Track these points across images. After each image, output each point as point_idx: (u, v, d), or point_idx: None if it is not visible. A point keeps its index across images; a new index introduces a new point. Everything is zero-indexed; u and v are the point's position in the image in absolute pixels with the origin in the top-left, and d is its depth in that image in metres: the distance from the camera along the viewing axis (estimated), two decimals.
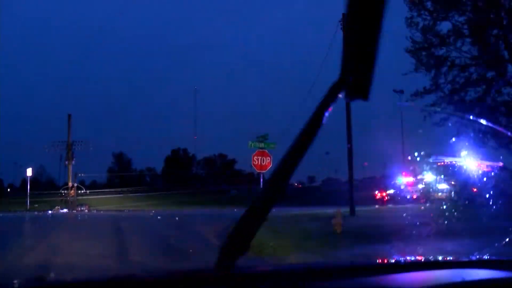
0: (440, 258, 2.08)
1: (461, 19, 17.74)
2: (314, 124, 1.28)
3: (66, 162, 41.15)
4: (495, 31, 17.74)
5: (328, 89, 1.27)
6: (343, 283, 1.55)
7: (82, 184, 44.67)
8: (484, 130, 18.56)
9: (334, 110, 1.27)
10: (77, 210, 33.92)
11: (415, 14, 17.91)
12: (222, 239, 1.35)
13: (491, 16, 17.62)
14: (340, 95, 1.26)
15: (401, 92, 37.62)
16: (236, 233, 1.34)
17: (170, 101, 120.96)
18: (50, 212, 31.91)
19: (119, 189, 48.23)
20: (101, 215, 26.76)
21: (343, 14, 20.27)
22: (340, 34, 20.62)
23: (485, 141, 19.15)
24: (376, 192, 36.95)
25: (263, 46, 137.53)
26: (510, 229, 8.56)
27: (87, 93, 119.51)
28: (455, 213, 12.28)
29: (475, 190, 23.57)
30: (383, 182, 36.26)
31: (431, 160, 21.41)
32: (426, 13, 17.82)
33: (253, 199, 1.37)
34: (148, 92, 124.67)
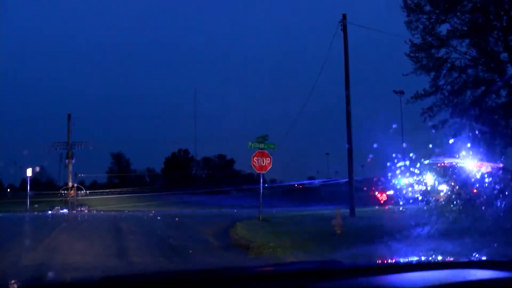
0: (440, 258, 2.08)
1: (460, 20, 17.73)
2: None
3: (66, 162, 41.17)
4: (494, 33, 17.74)
5: None
6: (344, 283, 1.55)
7: (82, 184, 44.75)
8: (483, 132, 18.56)
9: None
10: (77, 211, 33.93)
11: (413, 18, 17.91)
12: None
13: (491, 17, 17.62)
14: None
15: (401, 93, 37.72)
16: None
17: (170, 102, 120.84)
18: (50, 212, 31.93)
19: (119, 190, 48.21)
20: (101, 215, 26.75)
21: (343, 14, 20.35)
22: (340, 35, 20.62)
23: (485, 143, 19.14)
24: (376, 193, 37.03)
25: (263, 45, 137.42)
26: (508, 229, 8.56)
27: (87, 93, 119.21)
28: (455, 214, 12.28)
29: (475, 191, 23.55)
30: (383, 182, 36.29)
31: (430, 161, 21.42)
32: (425, 16, 17.81)
33: None
34: (147, 92, 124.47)
